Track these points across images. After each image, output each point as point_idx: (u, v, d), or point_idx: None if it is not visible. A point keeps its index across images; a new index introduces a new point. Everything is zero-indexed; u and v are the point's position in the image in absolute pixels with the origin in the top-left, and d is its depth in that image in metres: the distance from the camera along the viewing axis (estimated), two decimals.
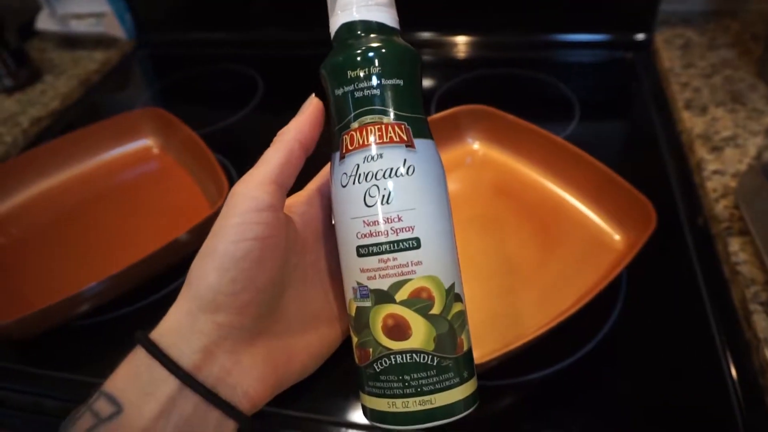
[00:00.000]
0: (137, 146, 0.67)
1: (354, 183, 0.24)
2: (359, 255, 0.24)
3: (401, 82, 0.25)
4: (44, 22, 0.88)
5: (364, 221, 0.24)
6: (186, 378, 0.23)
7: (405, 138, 0.24)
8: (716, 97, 0.64)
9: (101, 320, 0.50)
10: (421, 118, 0.26)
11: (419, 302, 0.24)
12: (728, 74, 0.67)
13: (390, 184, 0.24)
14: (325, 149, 0.27)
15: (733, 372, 0.41)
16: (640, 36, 0.77)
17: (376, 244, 0.24)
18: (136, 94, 0.84)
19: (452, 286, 0.25)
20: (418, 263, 0.24)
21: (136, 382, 0.23)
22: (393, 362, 0.24)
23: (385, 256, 0.24)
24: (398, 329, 0.24)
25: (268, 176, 0.24)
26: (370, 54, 0.25)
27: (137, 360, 0.24)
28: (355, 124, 0.25)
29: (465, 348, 0.25)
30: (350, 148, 0.25)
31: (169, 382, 0.23)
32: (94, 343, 0.49)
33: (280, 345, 0.26)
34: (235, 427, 0.25)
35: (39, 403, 0.45)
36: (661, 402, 0.40)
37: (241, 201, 0.24)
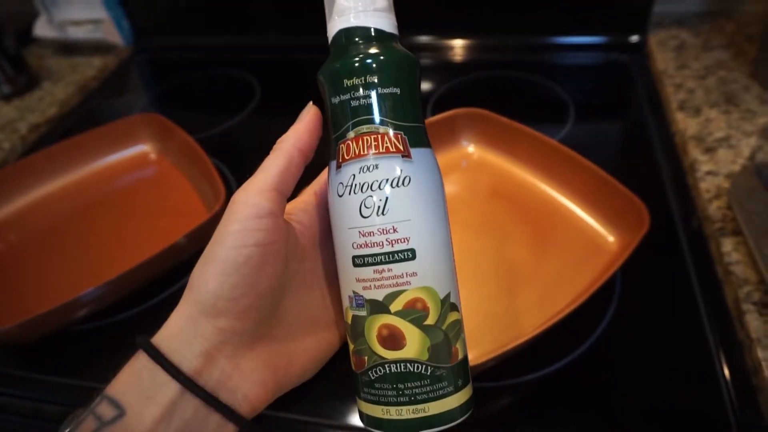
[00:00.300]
0: (135, 152, 0.67)
1: (350, 193, 0.24)
2: (355, 265, 0.25)
3: (398, 91, 0.25)
4: (42, 29, 0.88)
5: (359, 232, 0.24)
6: (187, 382, 0.24)
7: (401, 148, 0.24)
8: (710, 99, 0.64)
9: (99, 325, 0.50)
10: (419, 127, 0.25)
11: (414, 313, 0.24)
12: (722, 75, 0.68)
13: (385, 195, 0.24)
14: (323, 154, 0.27)
15: (726, 371, 0.41)
16: (634, 38, 0.77)
17: (372, 255, 0.24)
18: (133, 100, 0.84)
19: (447, 296, 0.25)
20: (413, 274, 0.24)
21: (138, 386, 0.24)
22: (387, 371, 0.24)
23: (380, 267, 0.24)
24: (393, 339, 0.24)
25: (268, 183, 0.25)
26: (367, 62, 0.24)
27: (139, 364, 0.24)
28: (351, 134, 0.24)
29: (460, 356, 0.25)
30: (346, 157, 0.25)
31: (170, 387, 0.24)
32: (93, 347, 0.49)
33: (280, 349, 0.27)
34: (234, 430, 0.25)
35: (38, 408, 0.45)
36: (655, 401, 0.40)
37: (241, 208, 0.24)
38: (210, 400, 0.24)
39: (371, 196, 0.24)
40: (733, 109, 0.62)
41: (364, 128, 0.24)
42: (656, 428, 0.39)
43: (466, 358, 0.26)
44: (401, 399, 0.24)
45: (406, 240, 0.24)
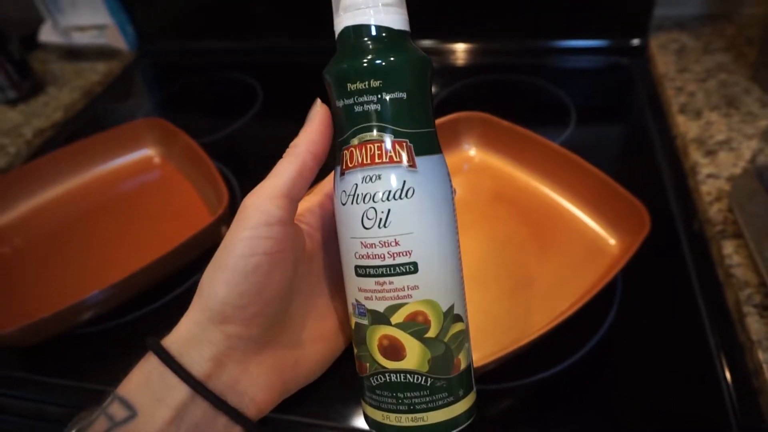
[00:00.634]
0: (139, 156, 0.67)
1: (352, 203, 0.24)
2: (357, 274, 0.24)
3: (405, 95, 0.23)
4: (47, 35, 0.89)
5: (361, 242, 0.24)
6: (197, 386, 0.24)
7: (406, 158, 0.23)
8: (711, 101, 0.64)
9: (103, 328, 0.50)
10: (427, 133, 0.24)
11: (414, 326, 0.24)
12: (723, 78, 0.68)
13: (387, 207, 0.23)
14: (334, 154, 0.26)
15: (727, 373, 0.41)
16: (635, 41, 0.77)
17: (373, 267, 0.24)
18: (137, 105, 0.85)
19: (451, 308, 0.24)
20: (415, 287, 0.23)
21: (148, 387, 0.24)
22: (387, 380, 0.24)
23: (381, 279, 0.23)
24: (393, 350, 0.24)
25: (280, 189, 0.24)
26: (373, 65, 0.23)
27: (149, 366, 0.24)
28: (354, 141, 0.24)
29: (462, 366, 0.25)
30: (350, 165, 0.24)
31: (180, 389, 0.24)
32: (96, 350, 0.49)
33: (287, 353, 0.27)
34: None
35: (40, 410, 0.46)
36: (656, 404, 0.40)
37: (251, 214, 0.24)
38: (219, 403, 0.24)
39: (373, 207, 0.23)
40: (734, 112, 0.62)
41: (368, 135, 0.23)
42: (657, 431, 0.39)
43: (469, 367, 0.26)
44: (400, 407, 0.24)
45: (408, 253, 0.23)
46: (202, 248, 0.52)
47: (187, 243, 0.50)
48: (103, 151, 0.66)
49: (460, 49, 0.83)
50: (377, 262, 0.23)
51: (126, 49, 0.90)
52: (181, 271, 0.52)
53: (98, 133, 0.66)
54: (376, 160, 0.23)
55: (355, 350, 0.26)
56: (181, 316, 0.26)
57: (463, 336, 0.25)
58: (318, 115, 0.25)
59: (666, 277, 0.49)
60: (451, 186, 0.26)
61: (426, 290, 0.24)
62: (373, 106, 0.23)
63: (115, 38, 0.88)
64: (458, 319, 0.25)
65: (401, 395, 0.24)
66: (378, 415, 0.25)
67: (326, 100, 0.26)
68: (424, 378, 0.24)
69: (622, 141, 0.67)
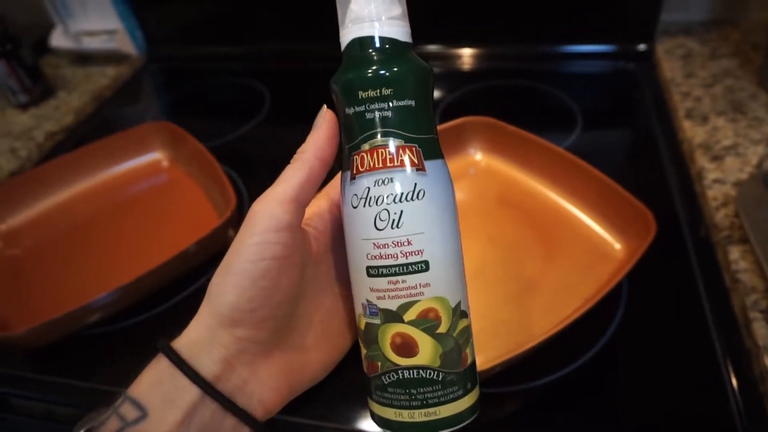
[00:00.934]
0: (147, 159, 0.68)
1: (364, 205, 0.25)
2: (369, 275, 0.25)
3: (413, 103, 0.25)
4: (58, 40, 0.90)
5: (374, 243, 0.24)
6: (207, 388, 0.24)
7: (416, 161, 0.24)
8: (717, 107, 0.64)
9: (111, 329, 0.51)
10: (432, 138, 0.25)
11: (427, 322, 0.25)
12: (729, 84, 0.68)
13: (400, 208, 0.24)
14: (339, 158, 0.27)
15: (733, 379, 0.41)
16: (642, 46, 0.78)
17: (386, 266, 0.24)
18: (146, 108, 0.86)
19: (459, 304, 0.25)
20: (427, 285, 0.25)
21: (159, 389, 0.24)
22: (400, 377, 0.25)
23: (394, 278, 0.24)
24: (406, 347, 0.25)
25: (288, 195, 0.25)
26: (383, 75, 0.24)
27: (160, 368, 0.25)
28: (365, 146, 0.25)
29: (469, 361, 0.26)
30: (361, 170, 0.25)
31: (190, 391, 0.24)
32: (105, 351, 0.50)
33: (294, 355, 0.27)
34: None
35: (49, 410, 0.46)
36: (662, 409, 0.40)
37: (260, 220, 0.25)
38: (228, 404, 0.25)
39: (386, 209, 0.24)
40: (741, 117, 0.62)
41: (379, 141, 0.24)
42: None
43: (474, 361, 0.27)
44: (413, 403, 0.25)
45: (420, 252, 0.24)
46: (210, 251, 0.53)
47: (194, 246, 0.50)
48: (112, 154, 0.67)
49: (467, 53, 0.83)
50: (390, 261, 0.24)
51: (135, 54, 0.91)
52: (188, 274, 0.53)
53: (107, 136, 0.67)
54: (388, 164, 0.24)
55: (364, 351, 0.26)
56: (189, 319, 0.26)
57: (469, 332, 0.26)
58: (325, 122, 0.26)
59: (672, 282, 0.49)
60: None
61: (436, 287, 0.25)
62: (384, 113, 0.24)
63: (125, 43, 0.89)
64: (464, 314, 0.26)
65: (414, 391, 0.25)
66: (390, 413, 0.26)
67: (332, 107, 0.26)
68: (436, 373, 0.25)
69: (628, 146, 0.67)
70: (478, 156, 0.61)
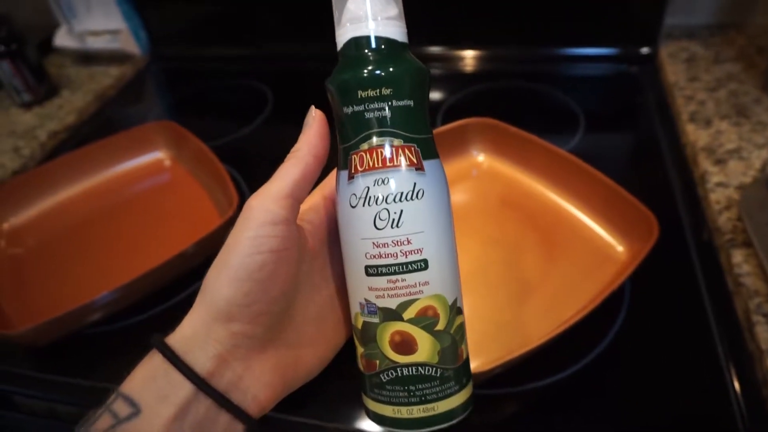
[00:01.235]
0: (150, 158, 0.68)
1: (363, 205, 0.25)
2: (368, 274, 0.25)
3: (411, 103, 0.25)
4: (62, 39, 0.91)
5: (373, 243, 0.25)
6: (201, 384, 0.24)
7: (415, 161, 0.25)
8: (721, 110, 0.64)
9: (113, 328, 0.51)
10: (429, 138, 0.26)
11: (426, 320, 0.25)
12: (733, 88, 0.68)
13: (400, 208, 0.24)
14: (332, 156, 0.27)
15: (736, 383, 0.41)
16: (645, 50, 0.77)
17: (386, 266, 0.25)
18: (149, 108, 0.86)
19: (455, 301, 0.26)
20: (425, 283, 0.25)
21: (152, 385, 0.24)
22: (399, 374, 0.25)
23: (393, 277, 0.25)
24: (405, 345, 0.25)
25: (284, 191, 0.25)
26: (383, 74, 0.24)
27: (154, 364, 0.25)
28: (364, 146, 0.25)
29: (464, 356, 0.27)
30: (360, 169, 0.25)
31: (184, 387, 0.24)
32: (107, 349, 0.50)
33: (289, 351, 0.27)
34: (243, 430, 0.26)
35: (52, 408, 0.46)
36: (664, 412, 0.40)
37: (256, 214, 0.25)
38: (222, 401, 0.25)
39: (386, 209, 0.24)
40: (744, 121, 0.62)
41: (378, 140, 0.24)
42: None
43: (468, 357, 0.27)
44: (412, 399, 0.25)
45: (419, 251, 0.25)
46: (212, 250, 0.52)
47: (196, 245, 0.51)
48: (114, 153, 0.67)
49: (469, 55, 0.83)
50: (390, 261, 0.24)
51: (139, 54, 0.92)
52: (190, 273, 0.53)
53: (110, 136, 0.67)
54: (388, 164, 0.24)
55: (361, 349, 0.26)
56: None
57: (464, 328, 0.27)
58: (315, 120, 0.26)
59: (674, 285, 0.48)
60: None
61: (435, 285, 0.25)
62: (383, 113, 0.24)
63: (128, 43, 0.90)
64: (460, 311, 0.26)
65: (413, 387, 0.25)
66: (388, 410, 0.26)
67: (325, 108, 0.26)
68: (434, 369, 0.25)
69: (631, 149, 0.67)
70: (480, 157, 0.61)
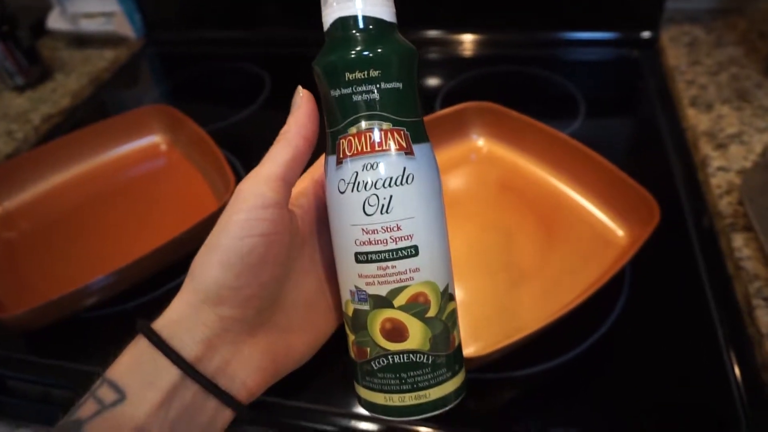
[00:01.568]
0: (145, 143, 0.67)
1: (352, 190, 0.24)
2: (358, 261, 0.25)
3: (401, 86, 0.24)
4: (55, 21, 0.89)
5: (362, 229, 0.24)
6: (188, 369, 0.24)
7: (404, 145, 0.24)
8: (722, 95, 0.64)
9: (108, 312, 0.51)
10: (419, 121, 0.25)
11: (417, 307, 0.25)
12: (734, 72, 0.67)
13: (389, 193, 0.24)
14: (321, 140, 0.27)
15: (736, 367, 0.41)
16: (646, 34, 0.77)
17: (376, 252, 0.24)
18: (144, 92, 0.85)
19: (446, 288, 0.25)
20: (416, 270, 0.24)
21: (138, 370, 0.24)
22: (391, 362, 0.25)
23: (384, 264, 0.24)
24: (396, 332, 0.25)
25: (275, 173, 0.24)
26: (370, 56, 0.23)
27: (140, 349, 0.24)
28: (352, 129, 0.24)
29: (456, 343, 0.26)
30: (348, 153, 0.24)
31: (171, 372, 0.24)
32: (102, 334, 0.49)
33: (279, 336, 0.27)
34: (231, 415, 0.26)
35: (47, 393, 0.46)
36: (664, 397, 0.40)
37: (247, 197, 0.24)
38: (209, 386, 0.24)
39: (375, 194, 0.24)
40: (746, 106, 0.61)
41: (366, 124, 0.24)
42: (664, 423, 0.39)
43: (460, 344, 0.27)
44: (404, 387, 0.25)
45: (410, 237, 0.24)
46: (208, 235, 0.52)
47: (192, 229, 0.50)
48: (109, 137, 0.66)
49: (468, 40, 0.82)
50: (380, 247, 0.24)
51: (133, 37, 0.90)
52: (186, 258, 0.51)
53: (105, 119, 0.66)
54: (377, 148, 0.24)
55: (352, 337, 0.26)
56: None
57: (455, 314, 0.26)
58: (303, 101, 0.26)
59: (675, 270, 0.48)
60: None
61: (426, 272, 0.25)
62: (371, 96, 0.24)
63: (123, 26, 0.88)
64: (452, 297, 0.26)
65: (405, 375, 0.25)
66: (379, 398, 0.26)
67: (315, 90, 0.26)
68: (426, 356, 0.25)
69: (632, 134, 0.66)
70: (480, 142, 0.60)
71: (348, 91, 0.24)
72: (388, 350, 0.25)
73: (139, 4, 0.89)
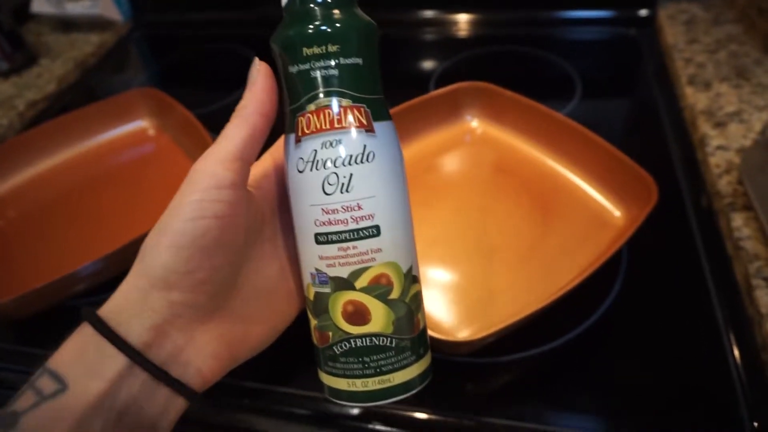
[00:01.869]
0: (133, 127, 0.66)
1: (311, 169, 0.23)
2: (318, 242, 0.24)
3: (360, 61, 0.23)
4: (40, 5, 0.87)
5: (322, 209, 0.23)
6: (135, 356, 0.23)
7: (364, 122, 0.23)
8: (721, 73, 0.62)
9: (97, 300, 0.49)
10: (380, 99, 0.24)
11: (379, 288, 0.24)
12: (733, 49, 0.66)
13: (349, 171, 0.23)
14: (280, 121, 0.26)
15: (735, 348, 0.40)
16: (644, 12, 0.75)
17: (336, 233, 0.23)
18: (132, 76, 0.83)
19: (410, 269, 0.25)
20: (378, 250, 0.24)
21: (82, 359, 0.23)
22: (353, 345, 0.24)
23: (344, 245, 0.23)
24: (358, 315, 0.24)
25: (231, 152, 0.23)
26: (328, 30, 0.23)
27: (84, 337, 0.23)
28: (311, 106, 0.23)
29: (421, 326, 0.26)
30: (306, 131, 0.23)
31: (117, 360, 0.23)
32: None
33: (236, 322, 0.26)
34: (184, 404, 0.25)
35: None
36: (662, 379, 0.39)
37: (201, 178, 0.23)
38: (159, 373, 0.23)
39: (335, 172, 0.23)
40: (745, 84, 0.60)
41: (325, 101, 0.23)
42: (663, 406, 0.38)
43: (425, 327, 0.26)
44: (367, 371, 0.24)
45: (371, 217, 0.23)
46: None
47: None
48: (96, 122, 0.65)
49: (463, 20, 0.81)
50: (340, 227, 0.23)
51: (120, 20, 0.88)
52: None
53: (91, 104, 0.65)
54: (336, 126, 0.23)
55: (314, 321, 0.25)
56: None
57: (420, 297, 0.26)
58: (261, 75, 0.25)
59: (673, 250, 0.47)
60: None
61: (388, 252, 0.24)
62: (329, 72, 0.23)
63: (109, 9, 0.86)
64: (416, 279, 0.25)
65: (367, 359, 0.24)
66: (342, 384, 0.25)
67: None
68: (389, 339, 0.24)
69: (629, 113, 0.65)
70: (474, 123, 0.59)
71: (306, 66, 0.23)
72: (351, 334, 0.24)
73: None
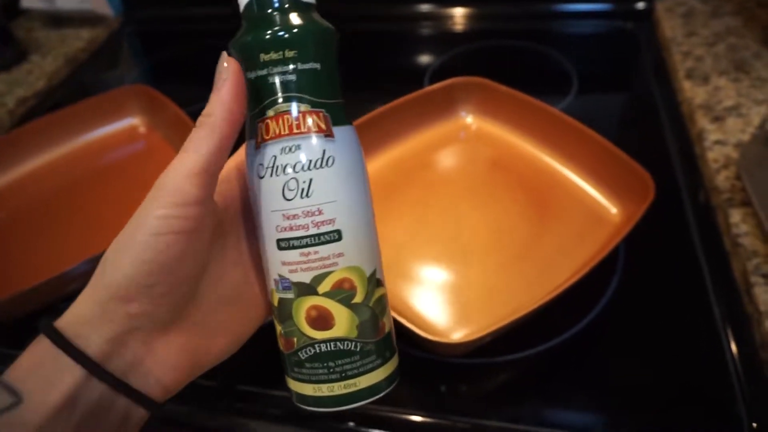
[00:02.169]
0: (124, 125, 0.65)
1: (271, 175, 0.23)
2: (280, 248, 0.24)
3: (318, 66, 0.24)
4: (30, 0, 0.86)
5: (283, 215, 0.23)
6: (92, 367, 0.22)
7: (324, 127, 0.23)
8: (719, 66, 0.62)
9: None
10: (339, 103, 0.24)
11: (342, 293, 0.24)
12: (732, 42, 0.65)
13: (309, 176, 0.23)
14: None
15: (733, 346, 0.40)
16: (641, 5, 0.75)
17: (297, 238, 0.23)
18: (124, 73, 0.82)
19: (374, 273, 0.25)
20: (340, 255, 0.24)
21: (38, 371, 0.22)
22: (317, 351, 0.24)
23: (306, 250, 0.23)
24: (321, 320, 0.24)
25: (198, 166, 0.22)
26: (285, 35, 0.23)
27: (41, 349, 0.22)
28: (270, 112, 0.23)
29: (387, 329, 0.26)
30: (266, 137, 0.23)
31: (74, 372, 0.22)
32: None
33: (198, 331, 0.25)
34: (145, 415, 0.24)
35: None
36: (660, 377, 0.39)
37: (165, 194, 0.22)
38: (117, 384, 0.23)
39: (294, 178, 0.23)
40: (743, 77, 0.60)
41: (284, 106, 0.23)
42: (660, 404, 0.38)
43: (391, 330, 0.26)
44: (332, 376, 0.24)
45: (332, 221, 0.23)
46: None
47: None
48: (86, 119, 0.64)
49: (458, 13, 0.80)
50: (301, 233, 0.23)
51: (111, 15, 0.87)
52: None
53: (81, 101, 0.64)
54: (295, 131, 0.23)
55: (279, 328, 0.25)
56: None
57: (385, 300, 0.26)
58: (230, 75, 0.23)
59: (670, 247, 0.47)
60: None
61: (350, 257, 0.24)
62: (288, 77, 0.23)
63: (100, 4, 0.85)
64: (380, 283, 0.25)
65: (332, 364, 0.24)
66: (308, 389, 0.25)
67: None
68: (354, 343, 0.24)
69: (626, 108, 0.64)
70: (469, 119, 0.58)
71: (264, 72, 0.23)
72: (315, 339, 0.24)
73: None
